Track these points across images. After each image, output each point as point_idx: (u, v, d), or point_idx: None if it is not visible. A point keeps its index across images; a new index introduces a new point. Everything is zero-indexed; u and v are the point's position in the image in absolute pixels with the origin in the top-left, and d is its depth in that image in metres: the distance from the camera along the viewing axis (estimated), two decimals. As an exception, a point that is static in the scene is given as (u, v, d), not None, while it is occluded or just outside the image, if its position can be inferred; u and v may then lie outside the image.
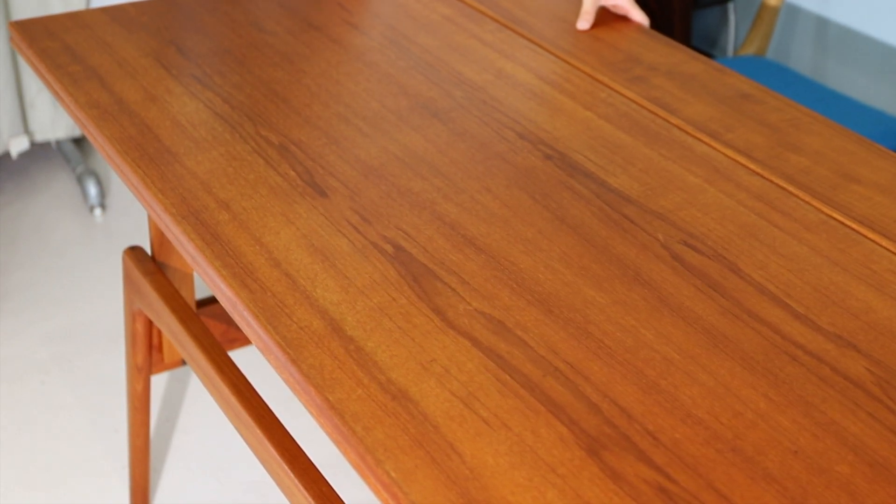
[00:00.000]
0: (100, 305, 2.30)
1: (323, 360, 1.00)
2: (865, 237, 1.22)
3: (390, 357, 1.01)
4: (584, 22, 1.63)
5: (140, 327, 1.60)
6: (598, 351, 1.03)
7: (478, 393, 0.98)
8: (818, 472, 0.92)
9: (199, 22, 1.59)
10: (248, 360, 1.81)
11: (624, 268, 1.14)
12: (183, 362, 1.68)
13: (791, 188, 1.29)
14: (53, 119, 2.54)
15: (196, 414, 2.06)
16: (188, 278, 1.59)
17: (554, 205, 1.23)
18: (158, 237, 1.55)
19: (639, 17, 1.66)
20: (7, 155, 2.67)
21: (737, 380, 1.01)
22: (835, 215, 1.25)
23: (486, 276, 1.12)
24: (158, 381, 2.11)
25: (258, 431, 1.26)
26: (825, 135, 1.40)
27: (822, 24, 2.67)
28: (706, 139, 1.38)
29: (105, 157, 1.32)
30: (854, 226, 1.23)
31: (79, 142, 2.74)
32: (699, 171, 1.31)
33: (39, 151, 2.77)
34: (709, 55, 2.88)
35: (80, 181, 2.59)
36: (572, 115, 1.41)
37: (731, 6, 2.88)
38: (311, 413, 0.99)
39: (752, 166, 1.33)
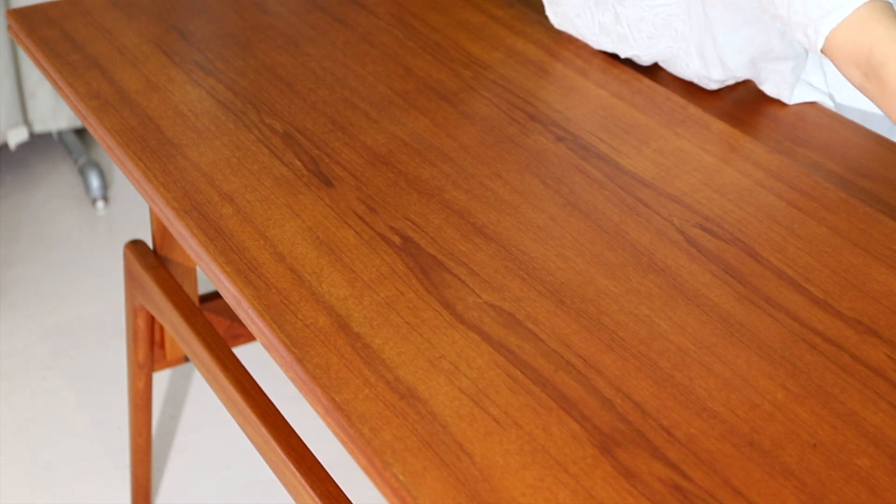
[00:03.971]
0: (102, 300, 2.28)
1: (329, 358, 0.98)
2: (887, 215, 1.18)
3: (398, 354, 0.99)
4: None
5: (142, 323, 1.59)
6: (612, 343, 1.01)
7: (488, 390, 0.96)
8: (837, 465, 0.90)
9: (201, 4, 1.57)
10: (252, 356, 1.79)
11: (638, 254, 1.12)
12: (186, 359, 1.67)
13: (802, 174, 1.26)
14: (55, 109, 2.51)
15: (199, 412, 2.05)
16: (191, 273, 1.57)
17: (566, 189, 1.21)
18: (160, 230, 1.53)
19: None
20: (6, 146, 2.65)
21: (754, 370, 0.99)
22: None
23: (496, 267, 1.09)
24: (161, 379, 2.10)
25: (263, 430, 1.24)
26: (832, 128, 1.35)
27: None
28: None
29: (106, 150, 1.30)
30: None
31: (80, 133, 2.72)
32: (715, 149, 1.28)
33: (40, 142, 2.75)
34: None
35: (81, 173, 2.57)
36: (585, 94, 1.38)
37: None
38: (317, 413, 0.97)
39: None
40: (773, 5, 1.21)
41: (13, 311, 2.26)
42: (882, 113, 1.32)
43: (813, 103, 1.37)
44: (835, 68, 1.32)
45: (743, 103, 1.38)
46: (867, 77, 1.15)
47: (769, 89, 1.37)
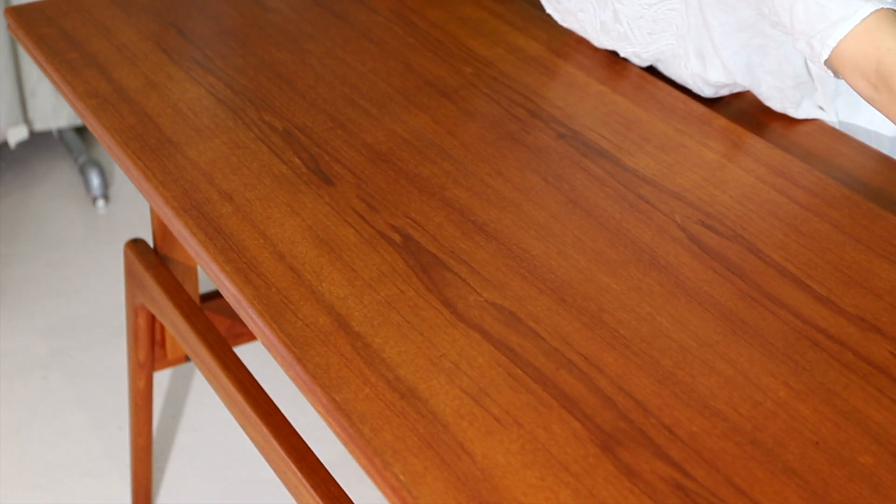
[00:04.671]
0: (102, 299, 2.28)
1: (329, 358, 0.98)
2: (890, 211, 1.18)
3: (398, 353, 0.99)
4: None
5: (142, 322, 1.58)
6: (613, 341, 1.00)
7: (489, 389, 0.95)
8: (840, 463, 0.89)
9: (199, 1, 1.56)
10: (254, 355, 1.79)
11: (639, 252, 1.11)
12: (187, 358, 1.67)
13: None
14: (55, 108, 2.50)
15: (201, 411, 2.04)
16: (192, 272, 1.57)
17: (567, 187, 1.20)
18: (161, 229, 1.52)
19: None
20: (6, 144, 2.64)
21: (756, 367, 0.98)
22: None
23: (497, 265, 1.09)
24: (161, 378, 2.09)
25: (264, 429, 1.24)
26: (818, 138, 1.34)
27: None
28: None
29: (105, 148, 1.30)
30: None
31: (81, 131, 2.71)
32: (717, 146, 1.27)
33: (40, 141, 2.74)
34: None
35: (82, 171, 2.56)
36: (586, 90, 1.37)
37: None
38: (318, 412, 0.97)
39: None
40: (774, 13, 1.19)
41: (13, 310, 2.25)
42: (888, 133, 1.31)
43: (815, 120, 1.36)
44: (830, 88, 1.31)
45: (745, 114, 1.37)
46: (876, 88, 1.14)
47: (775, 105, 1.35)
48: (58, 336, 2.19)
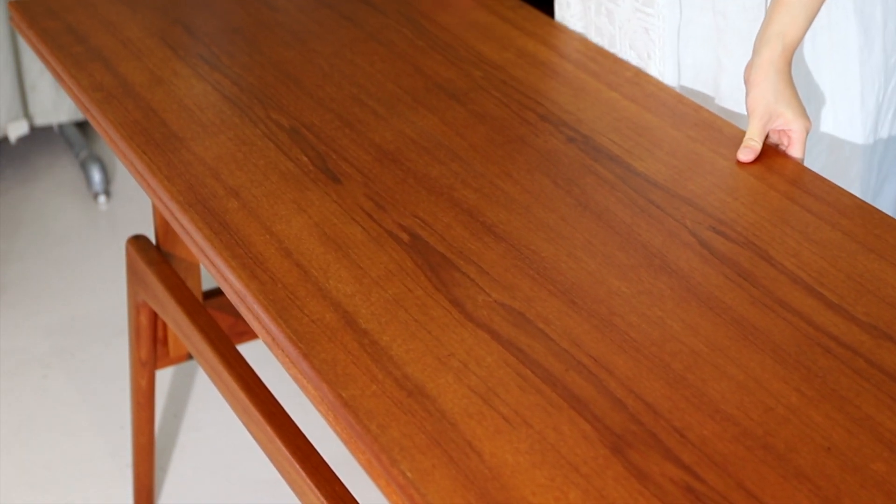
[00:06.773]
0: (103, 297, 2.26)
1: (336, 354, 0.97)
2: (901, 222, 1.17)
3: (406, 351, 0.98)
4: (749, 151, 1.24)
5: (144, 320, 1.57)
6: (623, 344, 0.99)
7: (497, 388, 0.94)
8: (852, 470, 0.88)
9: None
10: (257, 354, 1.78)
11: (650, 256, 1.10)
12: (189, 356, 1.66)
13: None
14: (56, 102, 2.50)
15: (203, 410, 2.03)
16: (194, 268, 1.56)
17: (577, 190, 1.19)
18: (163, 225, 1.52)
19: (799, 153, 1.25)
20: (6, 140, 2.63)
21: (767, 373, 0.97)
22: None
23: (506, 266, 1.08)
24: (163, 376, 2.08)
25: (268, 428, 1.23)
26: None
27: None
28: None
29: (109, 143, 1.29)
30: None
31: (82, 126, 2.70)
32: (728, 153, 1.26)
33: (41, 136, 2.73)
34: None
35: (83, 167, 2.55)
36: (596, 96, 1.36)
37: None
38: (319, 411, 0.96)
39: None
40: None
41: (13, 308, 2.24)
42: None
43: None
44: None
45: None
46: None
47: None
48: (58, 334, 2.18)
